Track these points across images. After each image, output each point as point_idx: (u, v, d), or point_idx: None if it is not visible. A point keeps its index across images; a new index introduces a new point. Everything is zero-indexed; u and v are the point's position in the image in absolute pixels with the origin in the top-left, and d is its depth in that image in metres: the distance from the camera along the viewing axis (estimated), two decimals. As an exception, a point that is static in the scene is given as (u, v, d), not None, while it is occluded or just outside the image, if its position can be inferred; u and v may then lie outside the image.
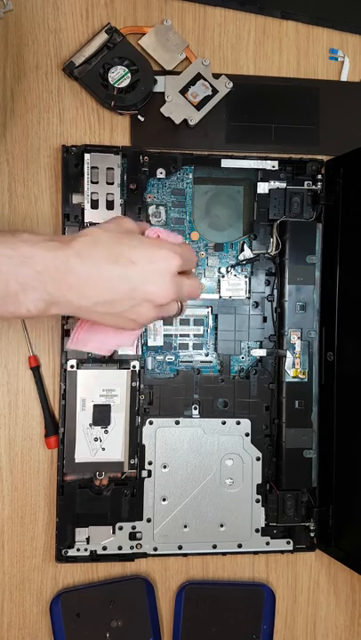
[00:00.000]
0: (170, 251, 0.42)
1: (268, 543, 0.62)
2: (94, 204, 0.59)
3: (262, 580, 0.64)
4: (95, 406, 0.59)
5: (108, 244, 0.41)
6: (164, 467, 0.61)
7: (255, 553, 0.62)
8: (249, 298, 0.63)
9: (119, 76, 0.59)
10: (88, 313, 0.42)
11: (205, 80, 0.61)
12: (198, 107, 0.61)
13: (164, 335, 0.61)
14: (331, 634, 0.65)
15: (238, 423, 0.62)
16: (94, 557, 0.59)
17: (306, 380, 0.62)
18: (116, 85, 0.59)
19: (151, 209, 0.62)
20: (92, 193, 0.59)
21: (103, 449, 0.59)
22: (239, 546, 0.61)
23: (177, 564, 0.63)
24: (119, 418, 0.59)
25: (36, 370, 0.60)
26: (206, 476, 0.61)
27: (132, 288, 0.41)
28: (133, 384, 0.60)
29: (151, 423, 0.61)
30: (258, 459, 0.62)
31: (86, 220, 0.58)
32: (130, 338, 0.48)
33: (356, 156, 0.59)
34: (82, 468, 0.59)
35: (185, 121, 0.61)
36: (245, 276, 0.63)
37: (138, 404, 0.60)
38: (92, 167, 0.58)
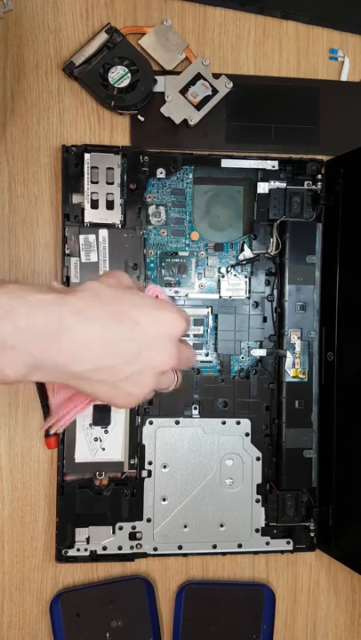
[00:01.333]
0: (176, 314, 0.38)
1: (268, 543, 0.62)
2: (94, 204, 0.59)
3: (262, 580, 0.64)
4: (95, 406, 0.59)
5: (112, 301, 0.36)
6: (164, 467, 0.61)
7: (255, 553, 0.62)
8: (249, 298, 0.63)
9: (119, 76, 0.59)
10: (79, 381, 0.36)
11: (205, 80, 0.61)
12: (198, 107, 0.61)
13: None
14: (331, 634, 0.65)
15: (238, 423, 0.62)
16: (94, 557, 0.59)
17: (306, 379, 0.62)
18: (116, 85, 0.59)
19: (151, 209, 0.62)
20: (92, 193, 0.59)
21: (103, 449, 0.59)
22: (239, 546, 0.61)
23: (177, 564, 0.63)
24: (119, 418, 0.59)
25: (36, 370, 0.60)
26: (206, 476, 0.61)
27: (136, 353, 0.36)
28: (133, 384, 0.60)
29: (151, 423, 0.61)
30: (258, 459, 0.62)
31: (86, 219, 0.59)
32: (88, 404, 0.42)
33: (357, 156, 0.59)
34: (82, 467, 0.59)
35: (185, 121, 0.61)
36: (245, 276, 0.63)
37: (138, 404, 0.60)
38: (92, 167, 0.58)
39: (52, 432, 0.44)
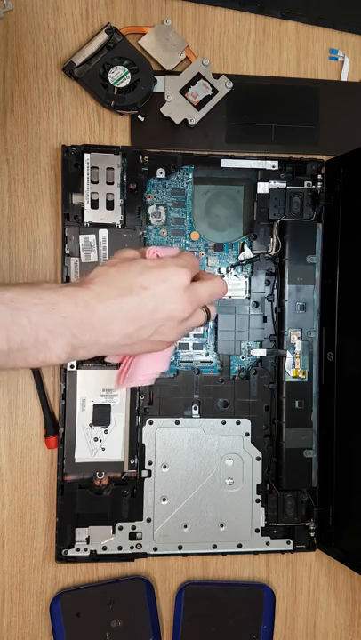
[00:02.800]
0: (175, 266, 0.43)
1: (268, 543, 0.62)
2: (94, 204, 0.59)
3: (262, 580, 0.64)
4: (95, 406, 0.59)
5: (119, 277, 0.42)
6: (164, 467, 0.61)
7: (255, 553, 0.62)
8: (249, 298, 0.63)
9: (119, 76, 0.59)
10: (117, 348, 0.43)
11: (205, 80, 0.61)
12: (198, 107, 0.61)
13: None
14: (331, 634, 0.65)
15: (238, 423, 0.62)
16: (94, 557, 0.59)
17: (306, 380, 0.62)
18: (116, 85, 0.59)
19: (151, 209, 0.62)
20: (92, 193, 0.59)
21: (103, 449, 0.59)
22: (239, 546, 0.61)
23: (177, 564, 0.63)
24: (119, 418, 0.59)
25: (35, 370, 0.60)
26: (206, 475, 0.61)
27: (151, 311, 0.42)
28: (133, 384, 0.60)
29: (151, 423, 0.61)
30: (258, 459, 0.62)
31: (86, 219, 0.59)
32: (165, 359, 0.48)
33: (356, 156, 0.59)
34: (82, 467, 0.59)
35: (185, 121, 0.61)
36: (245, 276, 0.63)
37: (138, 404, 0.60)
38: (92, 167, 0.58)
39: (118, 387, 0.49)
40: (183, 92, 0.61)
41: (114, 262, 0.44)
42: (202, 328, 0.62)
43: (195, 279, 0.46)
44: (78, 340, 0.40)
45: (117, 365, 0.52)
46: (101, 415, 0.59)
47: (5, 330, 0.37)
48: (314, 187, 0.63)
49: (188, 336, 0.62)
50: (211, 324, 0.63)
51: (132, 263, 0.43)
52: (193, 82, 0.61)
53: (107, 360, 0.50)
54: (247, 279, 0.63)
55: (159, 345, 0.44)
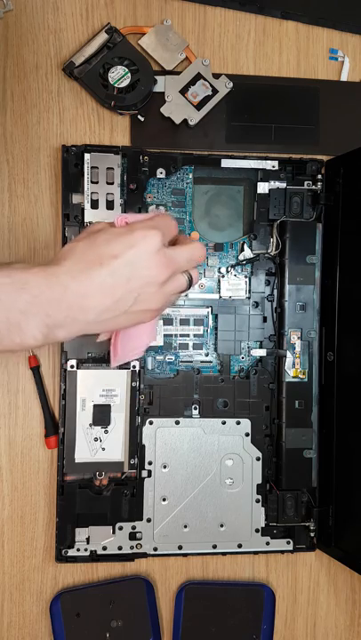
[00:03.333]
0: (144, 229, 0.41)
1: (268, 543, 0.62)
2: (94, 204, 0.59)
3: (262, 580, 0.64)
4: (95, 406, 0.59)
5: (87, 250, 0.40)
6: (164, 467, 0.61)
7: (255, 553, 0.62)
8: (249, 298, 0.63)
9: (119, 76, 0.59)
10: (101, 324, 0.41)
11: (205, 80, 0.61)
12: (198, 107, 0.61)
13: (164, 335, 0.61)
14: (331, 634, 0.65)
15: (238, 423, 0.62)
16: (94, 557, 0.59)
17: (306, 380, 0.62)
18: (116, 85, 0.59)
19: (151, 209, 0.62)
20: (92, 193, 0.59)
21: (103, 449, 0.59)
22: (239, 546, 0.61)
23: (177, 564, 0.63)
24: (119, 418, 0.59)
25: (35, 370, 0.60)
26: (206, 476, 0.61)
27: (126, 280, 0.40)
28: (133, 384, 0.60)
29: (151, 423, 0.61)
30: (258, 459, 0.62)
31: (86, 219, 0.59)
32: (151, 329, 0.47)
33: (356, 156, 0.59)
34: (82, 467, 0.59)
35: (185, 121, 0.61)
36: (245, 276, 0.63)
37: (138, 404, 0.60)
38: (92, 167, 0.58)
39: (114, 364, 0.49)
40: (183, 92, 0.61)
41: (82, 237, 0.42)
42: (202, 328, 0.62)
43: (173, 243, 0.44)
44: (53, 320, 0.38)
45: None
46: (101, 415, 0.59)
47: None
48: (314, 187, 0.63)
49: (188, 336, 0.62)
50: (211, 324, 0.63)
51: (98, 234, 0.41)
52: (193, 82, 0.61)
53: (98, 340, 0.48)
54: (247, 279, 0.63)
55: (145, 315, 0.42)
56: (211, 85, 0.61)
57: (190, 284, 0.45)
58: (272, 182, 0.63)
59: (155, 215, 0.44)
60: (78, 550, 0.59)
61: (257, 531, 0.62)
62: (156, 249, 0.41)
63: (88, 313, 0.39)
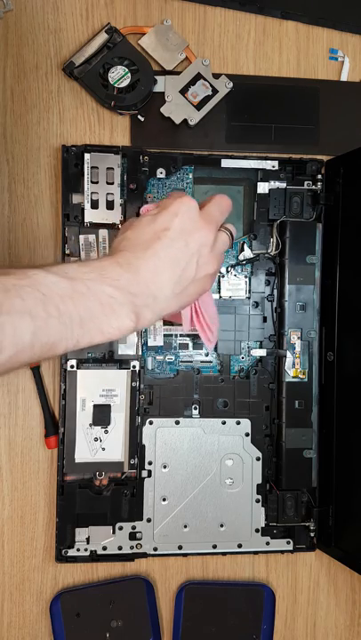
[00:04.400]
0: (176, 199, 0.44)
1: (268, 543, 0.62)
2: (94, 204, 0.59)
3: (262, 580, 0.64)
4: (95, 406, 0.59)
5: (139, 234, 0.43)
6: (164, 467, 0.61)
7: (255, 553, 0.62)
8: (249, 298, 0.63)
9: (119, 76, 0.59)
10: (176, 300, 0.43)
11: (205, 80, 0.61)
12: (198, 107, 0.61)
13: (164, 335, 0.61)
14: (331, 634, 0.65)
15: (238, 423, 0.62)
16: (94, 557, 0.59)
17: (306, 380, 0.62)
18: (116, 85, 0.59)
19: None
20: (92, 193, 0.59)
21: (103, 449, 0.59)
22: (239, 546, 0.61)
23: (177, 564, 0.63)
24: (119, 418, 0.59)
25: (36, 370, 0.60)
26: (206, 476, 0.61)
27: (184, 246, 0.42)
28: (133, 384, 0.60)
29: (151, 423, 0.61)
30: (258, 459, 0.62)
31: (86, 219, 0.58)
32: (212, 299, 0.50)
33: (356, 156, 0.59)
34: (82, 467, 0.59)
35: (185, 121, 0.61)
36: (245, 276, 0.63)
37: (138, 404, 0.60)
38: (92, 167, 0.58)
39: (211, 345, 0.51)
40: (183, 92, 0.61)
41: (123, 231, 0.45)
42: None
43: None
44: (139, 299, 0.40)
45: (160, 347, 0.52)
46: (101, 415, 0.59)
47: (71, 299, 0.37)
48: (314, 187, 0.63)
49: (188, 336, 0.62)
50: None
51: (139, 220, 0.44)
52: (193, 82, 0.61)
53: (185, 330, 0.50)
54: (247, 279, 0.63)
55: (207, 280, 0.45)
56: (211, 85, 0.61)
57: (232, 238, 0.48)
58: (272, 182, 0.63)
59: (174, 198, 0.46)
60: (78, 550, 0.59)
61: (257, 531, 0.62)
62: (196, 210, 0.44)
63: (164, 288, 0.42)
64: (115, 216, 0.59)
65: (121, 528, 0.60)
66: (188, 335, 0.62)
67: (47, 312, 0.36)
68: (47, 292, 0.36)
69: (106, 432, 0.59)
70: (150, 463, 0.60)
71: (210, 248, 0.44)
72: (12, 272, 0.36)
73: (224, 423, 0.62)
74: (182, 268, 0.42)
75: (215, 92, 0.61)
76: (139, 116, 0.62)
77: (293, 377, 0.62)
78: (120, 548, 0.60)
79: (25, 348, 0.35)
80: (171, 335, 0.62)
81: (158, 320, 0.43)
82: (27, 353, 0.36)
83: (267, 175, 0.62)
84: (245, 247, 0.63)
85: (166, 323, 0.61)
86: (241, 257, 0.63)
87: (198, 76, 0.61)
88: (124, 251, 0.42)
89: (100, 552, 0.59)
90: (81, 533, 0.59)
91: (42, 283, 0.36)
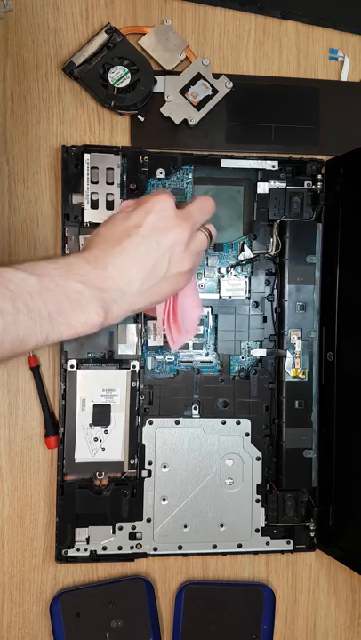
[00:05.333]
0: (152, 196, 0.44)
1: (268, 543, 0.62)
2: (94, 204, 0.59)
3: (262, 580, 0.64)
4: (95, 406, 0.59)
5: (111, 231, 0.44)
6: (164, 467, 0.61)
7: (255, 553, 0.62)
8: (249, 298, 0.63)
9: (119, 76, 0.59)
10: (145, 296, 0.43)
11: (205, 80, 0.61)
12: (198, 107, 0.61)
13: (164, 335, 0.61)
14: (331, 634, 0.65)
15: (238, 423, 0.62)
16: (94, 557, 0.59)
17: (306, 380, 0.62)
18: (116, 85, 0.59)
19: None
20: (92, 193, 0.59)
21: (103, 449, 0.59)
22: (239, 546, 0.61)
23: (177, 564, 0.63)
24: (119, 418, 0.59)
25: (35, 370, 0.60)
26: (206, 476, 0.61)
27: (155, 243, 0.43)
28: (133, 384, 0.60)
29: (151, 423, 0.61)
30: (258, 459, 0.62)
31: (86, 219, 0.58)
32: (196, 299, 0.51)
33: (356, 156, 0.59)
34: (82, 467, 0.59)
35: (185, 121, 0.61)
36: (245, 276, 0.63)
37: (138, 404, 0.60)
38: (92, 167, 0.58)
39: (175, 348, 0.52)
40: (183, 92, 0.61)
41: (98, 228, 0.45)
42: (202, 328, 0.62)
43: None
44: (107, 295, 0.41)
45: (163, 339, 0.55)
46: (101, 415, 0.59)
47: (39, 295, 0.38)
48: (314, 187, 0.63)
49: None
50: (211, 324, 0.63)
51: (113, 217, 0.45)
52: (193, 82, 0.61)
53: (147, 314, 0.50)
54: (247, 279, 0.63)
55: (181, 278, 0.45)
56: (211, 85, 0.61)
57: (210, 239, 0.48)
58: (272, 182, 0.63)
59: (152, 195, 0.46)
60: (78, 550, 0.59)
61: (257, 531, 0.62)
62: (172, 208, 0.44)
63: (132, 284, 0.42)
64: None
65: (121, 528, 0.60)
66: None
67: (16, 308, 0.36)
68: (15, 289, 0.37)
69: (106, 432, 0.59)
70: (150, 463, 0.60)
71: (184, 246, 0.44)
72: None
73: (224, 423, 0.62)
74: (152, 265, 0.43)
75: (215, 91, 0.61)
76: (139, 116, 0.62)
77: (293, 377, 0.62)
78: (120, 548, 0.60)
79: None
80: (171, 335, 0.62)
81: (129, 315, 0.44)
82: None
83: (267, 175, 0.62)
84: (245, 247, 0.63)
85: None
86: (241, 257, 0.63)
87: (198, 76, 0.61)
88: (94, 248, 0.43)
89: (100, 552, 0.59)
90: (81, 533, 0.59)
91: (11, 280, 0.37)
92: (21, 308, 0.37)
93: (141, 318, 0.60)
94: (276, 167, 0.63)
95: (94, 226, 0.59)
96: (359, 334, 0.57)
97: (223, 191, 0.64)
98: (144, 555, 0.60)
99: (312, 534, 0.63)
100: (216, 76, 0.61)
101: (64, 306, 0.39)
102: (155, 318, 0.53)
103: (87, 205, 0.59)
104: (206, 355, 0.63)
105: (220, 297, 0.62)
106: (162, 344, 0.61)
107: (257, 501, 0.62)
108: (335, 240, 0.61)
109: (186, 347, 0.62)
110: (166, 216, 0.44)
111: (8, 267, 0.38)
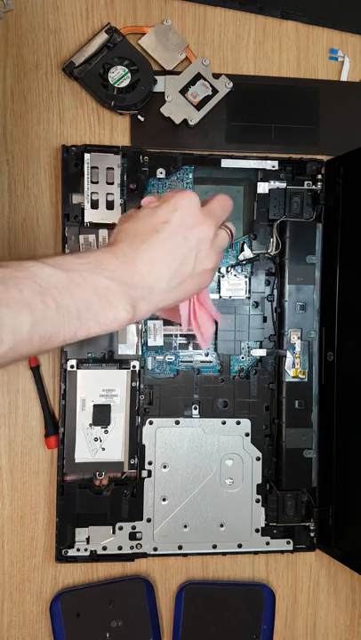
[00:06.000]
0: (178, 193, 0.43)
1: (268, 543, 0.62)
2: (94, 204, 0.59)
3: (262, 580, 0.64)
4: (95, 406, 0.59)
5: (137, 226, 0.42)
6: (164, 467, 0.61)
7: (255, 553, 0.62)
8: (249, 298, 0.63)
9: (119, 76, 0.59)
10: (172, 293, 0.43)
11: (205, 80, 0.61)
12: (198, 107, 0.61)
13: (164, 335, 0.61)
14: (331, 634, 0.65)
15: (238, 423, 0.62)
16: (94, 557, 0.59)
17: (306, 380, 0.62)
18: (116, 85, 0.59)
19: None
20: (92, 193, 0.59)
21: (103, 449, 0.59)
22: (239, 546, 0.61)
23: (177, 564, 0.63)
24: (119, 418, 0.59)
25: (36, 370, 0.60)
26: (206, 476, 0.61)
27: (183, 240, 0.42)
28: (133, 384, 0.60)
29: (151, 423, 0.61)
30: (258, 459, 0.62)
31: (86, 219, 0.58)
32: (210, 302, 0.50)
33: (356, 156, 0.59)
34: (82, 467, 0.59)
35: (185, 121, 0.61)
36: (245, 276, 0.63)
37: (138, 404, 0.60)
38: (92, 167, 0.58)
39: (206, 346, 0.51)
40: (183, 92, 0.61)
41: (122, 222, 0.44)
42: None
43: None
44: (135, 291, 0.40)
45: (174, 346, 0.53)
46: (101, 415, 0.59)
47: (67, 291, 0.37)
48: (314, 187, 0.63)
49: (187, 336, 0.62)
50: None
51: (138, 212, 0.43)
52: (193, 82, 0.61)
53: (184, 330, 0.50)
54: (247, 279, 0.63)
55: (205, 276, 0.45)
56: (211, 85, 0.61)
57: (232, 236, 0.48)
58: (272, 182, 0.63)
59: (177, 192, 0.45)
60: (78, 550, 0.59)
61: (257, 531, 0.62)
62: (197, 206, 0.43)
63: (160, 280, 0.41)
64: (115, 216, 0.59)
65: (121, 528, 0.60)
66: (187, 335, 0.62)
67: (45, 304, 0.36)
68: (44, 284, 0.36)
69: (106, 432, 0.59)
70: (150, 463, 0.60)
71: (209, 243, 0.44)
72: (9, 264, 0.36)
73: (224, 423, 0.62)
74: (179, 263, 0.42)
75: (215, 91, 0.61)
76: (139, 116, 0.62)
77: (293, 377, 0.62)
78: (120, 548, 0.60)
79: (24, 340, 0.35)
80: (171, 335, 0.62)
81: (155, 311, 0.43)
82: (25, 345, 0.35)
83: (267, 175, 0.62)
84: (245, 247, 0.63)
85: (166, 322, 0.61)
86: (241, 257, 0.63)
87: (198, 76, 0.61)
88: (120, 242, 0.41)
89: (100, 552, 0.59)
90: (81, 533, 0.59)
91: (38, 275, 0.36)
92: (50, 304, 0.36)
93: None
94: (276, 167, 0.63)
95: (94, 226, 0.59)
96: (359, 334, 0.57)
97: (223, 191, 0.63)
98: (144, 555, 0.60)
99: (312, 534, 0.63)
100: (216, 76, 0.61)
101: (92, 302, 0.38)
102: (175, 323, 0.52)
103: (87, 205, 0.59)
104: (206, 355, 0.63)
105: (220, 297, 0.62)
106: (162, 344, 0.61)
107: (257, 501, 0.62)
108: (335, 240, 0.61)
109: (186, 347, 0.62)
110: (193, 213, 0.43)
111: (36, 261, 0.37)
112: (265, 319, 0.63)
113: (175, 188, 0.46)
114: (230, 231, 0.48)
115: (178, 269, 0.42)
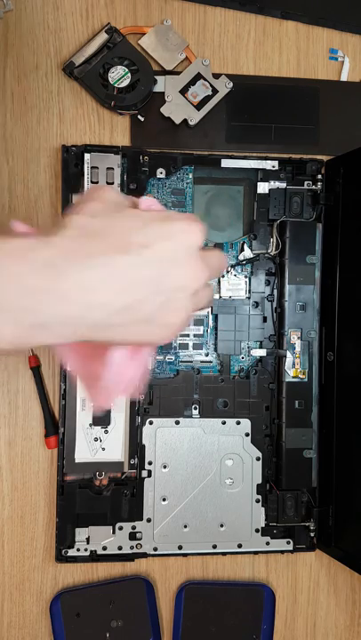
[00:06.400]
0: (185, 220, 0.32)
1: (268, 543, 0.62)
2: (94, 204, 0.59)
3: (262, 580, 0.64)
4: (95, 406, 0.59)
5: (105, 231, 0.31)
6: (164, 467, 0.61)
7: (255, 553, 0.62)
8: (249, 298, 0.63)
9: (119, 76, 0.59)
10: (105, 331, 0.30)
11: (205, 80, 0.61)
12: (198, 107, 0.61)
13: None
14: (331, 634, 0.65)
15: (238, 423, 0.62)
16: (94, 557, 0.59)
17: (306, 380, 0.62)
18: (116, 85, 0.59)
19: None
20: (92, 193, 0.58)
21: (103, 449, 0.59)
22: (239, 546, 0.61)
23: (177, 564, 0.63)
24: (119, 418, 0.59)
25: (36, 370, 0.60)
26: (206, 476, 0.61)
27: (157, 277, 0.31)
28: (133, 384, 0.60)
29: (151, 423, 0.61)
30: (258, 459, 0.62)
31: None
32: (145, 359, 0.35)
33: (356, 156, 0.59)
34: (82, 467, 0.59)
35: (185, 121, 0.61)
36: (245, 276, 0.63)
37: (138, 404, 0.60)
38: (92, 167, 0.58)
39: (102, 405, 0.37)
40: (183, 92, 0.61)
41: (94, 209, 0.32)
42: (202, 328, 0.62)
43: None
44: (35, 317, 0.28)
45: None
46: (101, 415, 0.59)
47: None
48: (314, 187, 0.63)
49: (187, 336, 0.62)
50: (211, 324, 0.63)
51: (121, 215, 0.32)
52: (193, 82, 0.61)
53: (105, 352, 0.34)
54: (247, 279, 0.63)
55: (162, 331, 0.32)
56: (211, 85, 0.61)
57: (212, 297, 0.39)
58: (272, 182, 0.63)
59: (184, 215, 0.35)
60: (78, 550, 0.59)
61: (257, 531, 0.62)
62: (197, 247, 0.32)
63: (96, 311, 0.29)
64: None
65: (121, 528, 0.60)
66: (187, 335, 0.62)
67: None
68: None
69: (106, 432, 0.59)
70: (150, 463, 0.60)
71: (188, 295, 0.32)
72: None
73: (224, 423, 0.62)
74: (138, 299, 0.30)
75: (215, 91, 0.61)
76: (139, 116, 0.62)
77: (293, 377, 0.62)
78: (120, 548, 0.60)
79: None
80: (171, 335, 0.62)
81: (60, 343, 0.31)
82: None
83: (267, 175, 0.62)
84: (245, 247, 0.63)
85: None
86: (241, 257, 0.63)
87: (198, 76, 0.61)
88: (63, 238, 0.29)
89: (100, 552, 0.59)
90: (81, 533, 0.59)
91: None
92: None
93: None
94: (276, 167, 0.63)
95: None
96: (359, 334, 0.57)
97: (223, 191, 0.64)
98: (144, 555, 0.60)
99: (312, 534, 0.63)
100: (216, 76, 0.61)
101: None
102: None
103: (87, 205, 0.58)
104: (206, 355, 0.63)
105: (220, 297, 0.62)
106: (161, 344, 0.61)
107: (257, 501, 0.62)
108: (335, 240, 0.61)
109: (186, 347, 0.62)
110: (188, 250, 0.32)
111: None
112: (265, 319, 0.63)
113: (185, 212, 0.36)
114: (211, 292, 0.37)
115: (133, 306, 0.30)
